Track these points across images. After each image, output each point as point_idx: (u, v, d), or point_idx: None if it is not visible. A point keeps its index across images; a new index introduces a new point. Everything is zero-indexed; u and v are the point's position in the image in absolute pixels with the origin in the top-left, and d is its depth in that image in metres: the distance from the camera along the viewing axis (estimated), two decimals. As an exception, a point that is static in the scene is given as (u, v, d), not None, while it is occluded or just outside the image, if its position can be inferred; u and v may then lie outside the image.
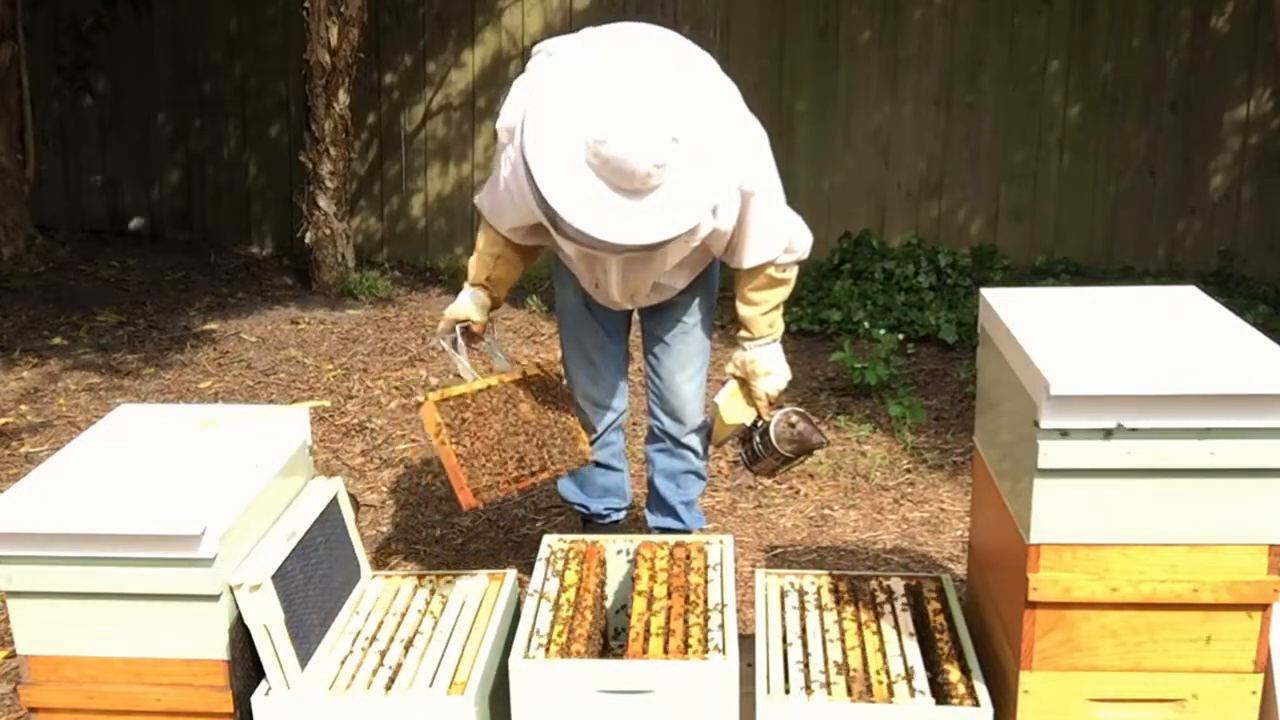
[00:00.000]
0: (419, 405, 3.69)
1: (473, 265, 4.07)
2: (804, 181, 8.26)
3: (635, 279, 3.95)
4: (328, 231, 8.33)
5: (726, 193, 3.55)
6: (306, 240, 8.40)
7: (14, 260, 8.67)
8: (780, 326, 4.07)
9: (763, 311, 3.99)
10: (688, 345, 4.20)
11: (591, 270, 4.00)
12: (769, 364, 4.04)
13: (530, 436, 3.96)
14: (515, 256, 4.03)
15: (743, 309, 4.00)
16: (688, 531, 4.45)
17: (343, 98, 8.11)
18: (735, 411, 4.14)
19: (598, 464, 4.35)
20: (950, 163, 8.48)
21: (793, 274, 4.00)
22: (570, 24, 8.47)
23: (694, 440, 4.31)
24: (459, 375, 4.02)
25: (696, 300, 4.16)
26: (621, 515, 4.58)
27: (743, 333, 4.05)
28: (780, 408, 4.09)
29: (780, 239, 3.85)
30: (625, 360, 4.33)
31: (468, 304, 4.02)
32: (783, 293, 4.01)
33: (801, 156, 8.29)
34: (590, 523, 4.55)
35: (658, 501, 4.43)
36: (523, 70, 3.71)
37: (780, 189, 3.82)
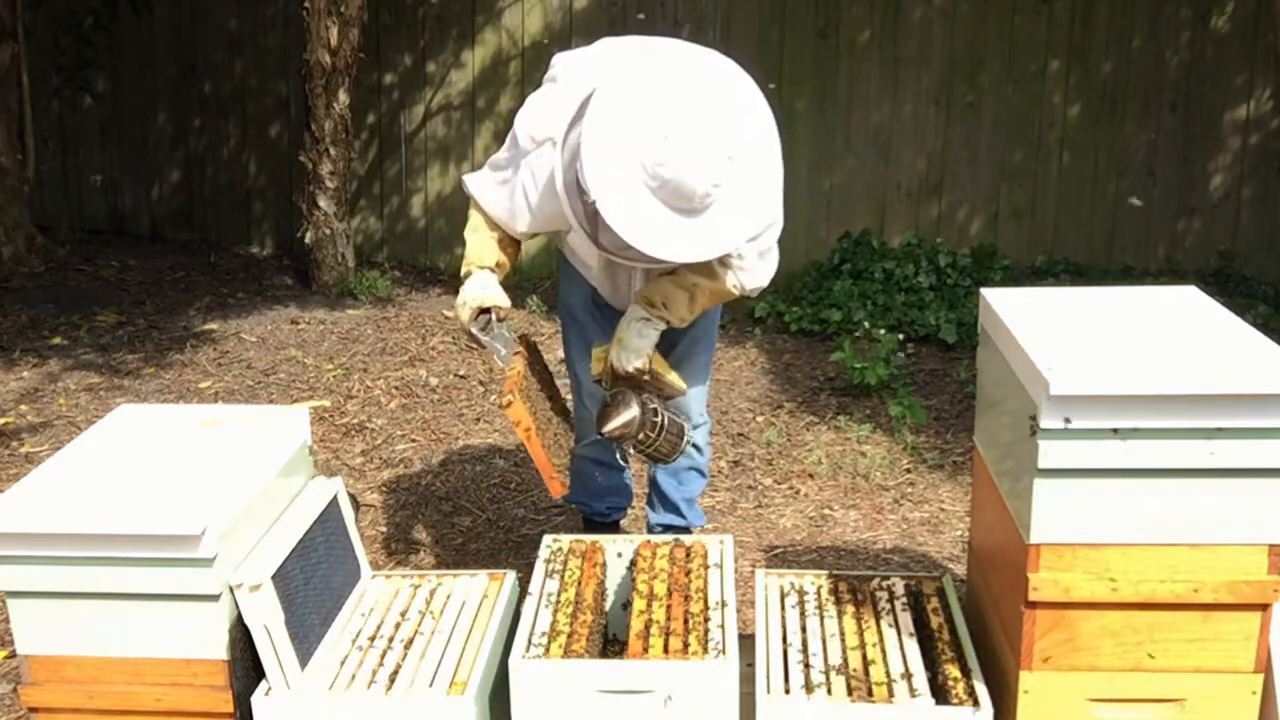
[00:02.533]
0: (508, 405, 3.62)
1: (479, 248, 3.92)
2: (804, 181, 8.26)
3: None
4: (328, 231, 8.33)
5: (777, 206, 3.59)
6: (306, 240, 8.40)
7: (14, 260, 8.67)
8: (673, 315, 3.87)
9: (675, 282, 3.85)
10: (690, 347, 4.20)
11: (613, 277, 4.00)
12: (632, 338, 3.86)
13: (554, 418, 3.97)
14: (513, 242, 4.00)
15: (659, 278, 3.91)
16: (689, 528, 4.45)
17: (343, 98, 8.11)
18: (595, 363, 4.04)
19: (600, 462, 4.36)
20: (950, 162, 8.48)
21: (732, 285, 3.85)
22: (570, 24, 8.48)
23: (697, 437, 4.30)
24: (499, 361, 3.92)
25: None
26: (623, 514, 4.58)
27: (639, 290, 3.94)
28: (626, 382, 3.98)
29: (748, 263, 3.80)
30: None
31: (493, 288, 3.88)
32: (709, 286, 3.84)
33: (801, 156, 8.28)
34: (592, 522, 4.55)
35: (660, 498, 4.43)
36: (534, 74, 3.70)
37: (779, 222, 3.79)
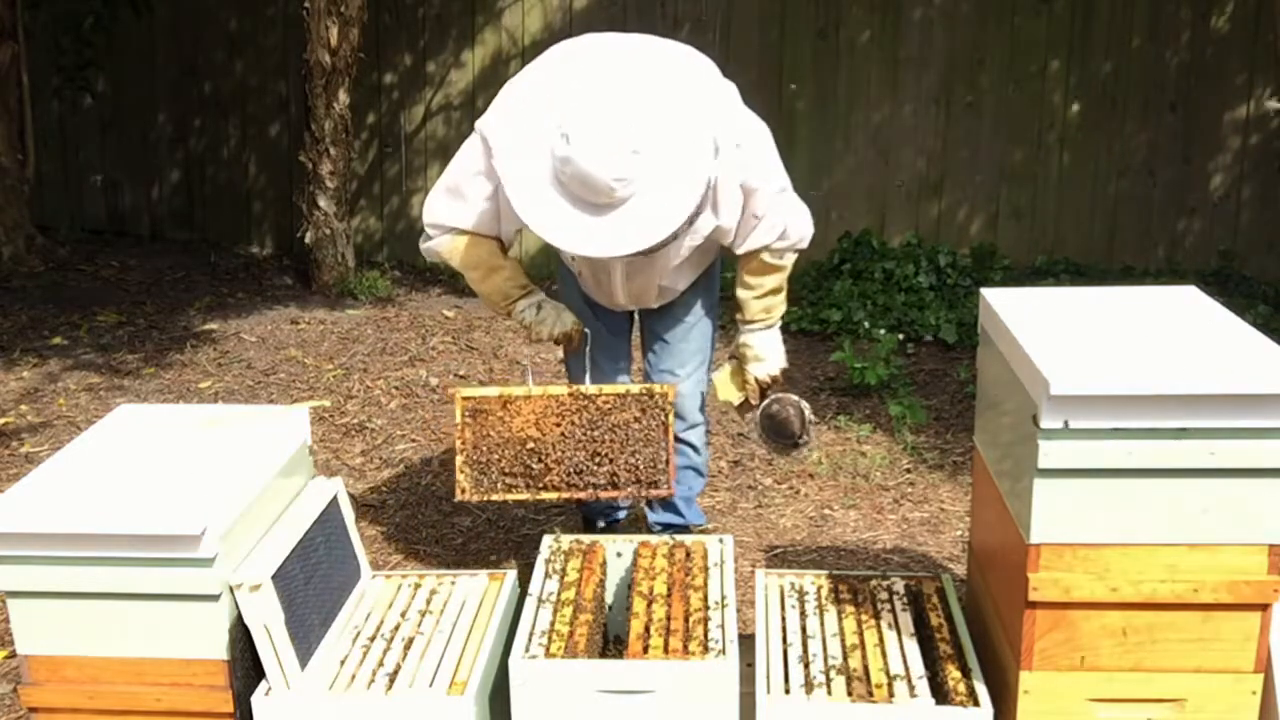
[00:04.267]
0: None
1: (507, 281, 3.96)
2: (804, 181, 8.23)
3: (639, 280, 3.97)
4: (328, 231, 8.33)
5: (697, 205, 3.53)
6: (306, 240, 8.40)
7: (14, 260, 8.68)
8: (778, 313, 4.09)
9: (756, 295, 4.01)
10: (688, 344, 4.21)
11: (595, 273, 4.01)
12: (761, 349, 4.07)
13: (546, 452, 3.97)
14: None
15: (739, 292, 4.05)
16: (688, 527, 4.45)
17: (343, 97, 8.11)
18: (727, 390, 4.18)
19: None
20: (950, 162, 8.49)
21: (789, 260, 4.01)
22: (570, 24, 8.48)
23: (694, 436, 4.31)
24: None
25: (699, 300, 4.19)
26: (623, 515, 4.59)
27: (739, 315, 4.08)
28: (774, 394, 4.11)
29: (775, 226, 3.86)
30: (628, 360, 4.33)
31: (568, 317, 4.01)
32: (777, 279, 4.01)
33: (801, 156, 8.29)
34: (591, 522, 4.55)
35: (660, 499, 4.43)
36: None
37: (783, 179, 3.84)
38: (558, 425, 3.88)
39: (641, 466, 3.87)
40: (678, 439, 4.27)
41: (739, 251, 3.93)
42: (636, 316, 4.31)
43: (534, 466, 3.88)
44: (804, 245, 3.99)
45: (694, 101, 3.51)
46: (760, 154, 3.73)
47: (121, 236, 9.62)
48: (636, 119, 3.39)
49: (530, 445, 3.89)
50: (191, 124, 9.46)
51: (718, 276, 4.26)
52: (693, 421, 4.28)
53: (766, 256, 3.93)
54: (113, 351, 7.29)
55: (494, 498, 3.91)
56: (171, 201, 9.62)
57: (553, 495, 3.91)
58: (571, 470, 3.88)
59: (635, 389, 3.88)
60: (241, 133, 9.38)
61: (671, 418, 3.86)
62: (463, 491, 3.89)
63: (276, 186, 9.31)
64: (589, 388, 3.89)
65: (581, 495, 3.91)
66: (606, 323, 4.20)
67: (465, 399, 3.89)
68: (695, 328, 4.19)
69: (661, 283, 4.02)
